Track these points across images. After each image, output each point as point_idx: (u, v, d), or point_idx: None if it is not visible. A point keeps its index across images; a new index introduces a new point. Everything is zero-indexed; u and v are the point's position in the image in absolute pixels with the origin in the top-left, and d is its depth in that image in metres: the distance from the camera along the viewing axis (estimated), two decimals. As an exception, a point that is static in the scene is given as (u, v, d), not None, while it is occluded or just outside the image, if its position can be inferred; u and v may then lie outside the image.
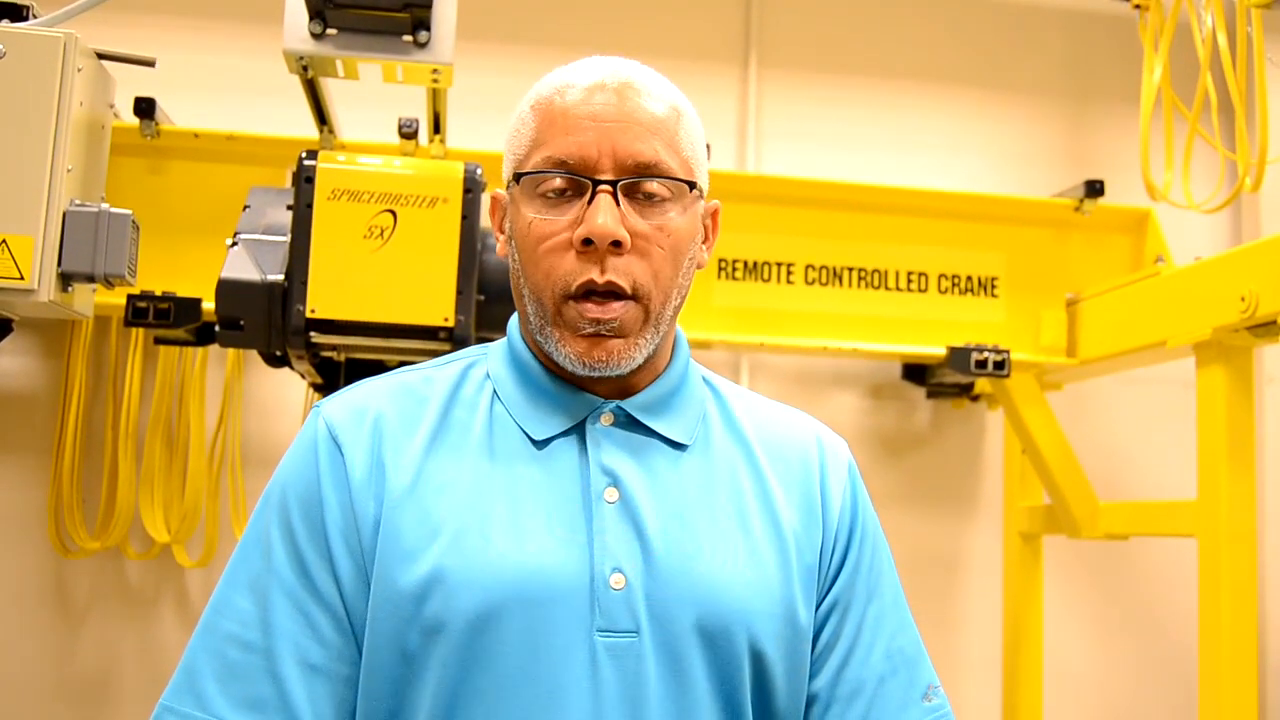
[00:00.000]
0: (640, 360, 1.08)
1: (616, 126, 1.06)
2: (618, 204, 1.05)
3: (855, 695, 1.10)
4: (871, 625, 1.13)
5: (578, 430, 1.10)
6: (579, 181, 1.06)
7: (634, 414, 1.11)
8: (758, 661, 1.06)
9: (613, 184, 1.05)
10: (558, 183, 1.07)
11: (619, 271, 1.05)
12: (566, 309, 1.06)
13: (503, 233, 1.15)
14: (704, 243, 1.16)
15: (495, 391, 1.13)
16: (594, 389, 1.11)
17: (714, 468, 1.13)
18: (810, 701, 1.11)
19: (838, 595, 1.13)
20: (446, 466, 1.07)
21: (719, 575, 1.06)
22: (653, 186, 1.07)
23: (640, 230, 1.06)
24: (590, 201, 1.05)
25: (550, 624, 1.01)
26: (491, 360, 1.16)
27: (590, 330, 1.05)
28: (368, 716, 1.03)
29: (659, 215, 1.07)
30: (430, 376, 1.15)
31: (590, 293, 1.05)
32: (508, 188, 1.13)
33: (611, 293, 1.05)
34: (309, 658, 1.03)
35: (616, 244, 1.04)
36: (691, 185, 1.10)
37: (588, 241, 1.04)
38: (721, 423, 1.18)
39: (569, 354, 1.07)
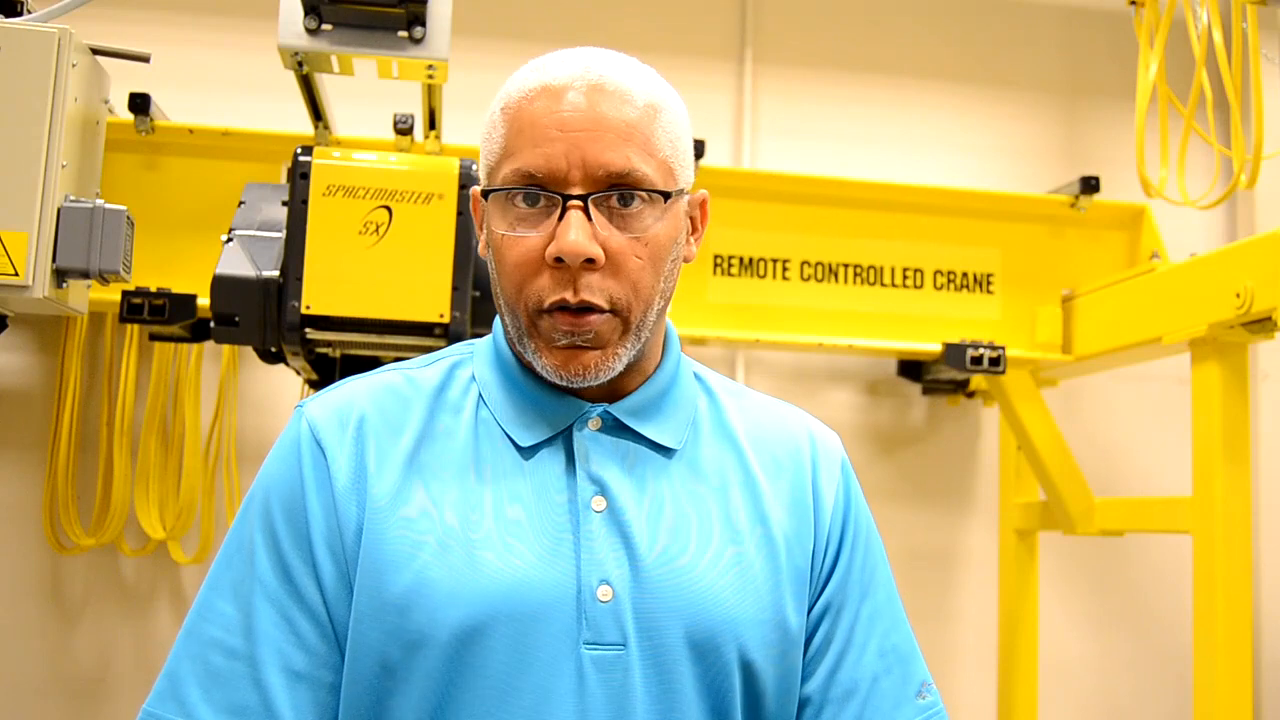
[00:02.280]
0: (619, 370, 1.05)
1: (586, 136, 1.01)
2: (589, 218, 1.01)
3: (849, 696, 1.09)
4: (865, 624, 1.12)
5: (564, 436, 1.08)
6: (549, 195, 1.02)
7: (622, 418, 1.09)
8: (747, 671, 1.04)
9: (583, 198, 1.01)
10: (528, 192, 1.03)
11: (593, 289, 1.01)
12: (541, 321, 1.03)
13: (482, 230, 1.12)
14: (692, 234, 1.13)
15: (480, 395, 1.11)
16: (581, 392, 1.09)
17: (704, 472, 1.11)
18: (804, 703, 1.09)
19: (830, 597, 1.12)
20: (431, 473, 1.05)
21: (707, 585, 1.04)
22: (628, 196, 1.03)
23: (615, 244, 1.02)
24: (561, 218, 1.01)
25: (536, 637, 0.99)
26: (477, 362, 1.14)
27: (565, 342, 1.03)
28: None
29: (636, 225, 1.03)
30: (414, 377, 1.12)
31: (564, 308, 1.02)
32: (483, 192, 1.10)
33: (586, 308, 1.02)
34: (293, 664, 1.01)
35: (590, 260, 1.01)
36: (667, 196, 1.05)
37: (560, 259, 1.01)
38: (712, 423, 1.15)
39: (546, 365, 1.04)
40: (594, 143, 1.02)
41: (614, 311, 1.03)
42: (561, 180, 1.02)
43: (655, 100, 1.07)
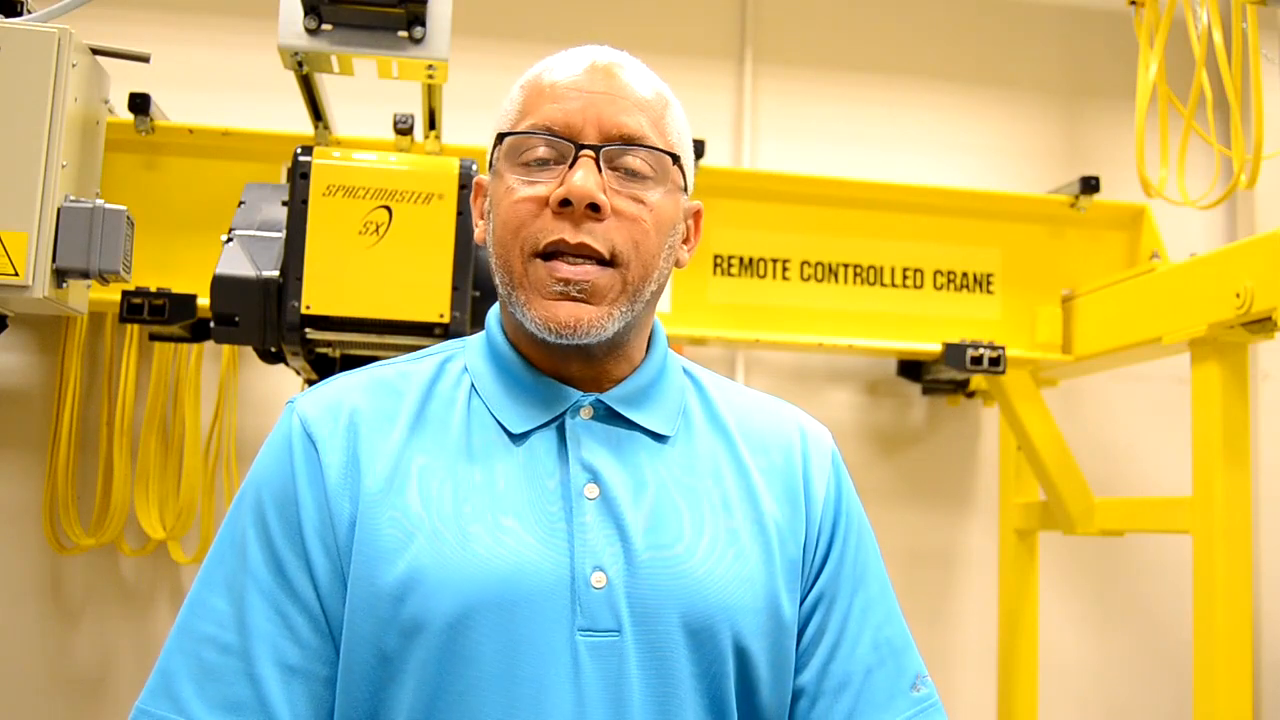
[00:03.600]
0: (612, 332, 1.05)
1: (603, 97, 1.06)
2: (599, 172, 1.04)
3: (842, 688, 1.09)
4: (858, 616, 1.12)
5: (557, 424, 1.08)
6: (562, 149, 1.05)
7: (613, 406, 1.09)
8: (742, 657, 1.05)
9: (595, 149, 1.04)
10: (541, 151, 1.05)
11: (595, 235, 1.03)
12: (534, 267, 1.04)
13: (483, 218, 1.13)
14: (684, 243, 1.14)
15: (473, 385, 1.11)
16: (572, 380, 1.10)
17: (696, 460, 1.11)
18: (797, 695, 1.10)
19: (823, 588, 1.12)
20: (423, 464, 1.05)
21: (701, 571, 1.04)
22: (636, 162, 1.06)
23: (621, 201, 1.05)
24: (572, 165, 1.04)
25: (531, 624, 0.99)
26: (469, 353, 1.15)
27: (559, 289, 1.03)
28: (346, 717, 1.01)
29: (642, 192, 1.06)
30: (406, 371, 1.13)
31: (561, 252, 1.03)
32: (490, 165, 1.11)
33: (585, 255, 1.03)
34: (286, 659, 1.01)
35: (595, 208, 1.02)
36: (675, 159, 1.08)
37: (565, 203, 1.02)
38: (703, 414, 1.16)
39: (536, 317, 1.04)
40: (610, 104, 1.06)
41: (613, 264, 1.04)
42: (576, 133, 1.05)
43: (666, 95, 1.12)
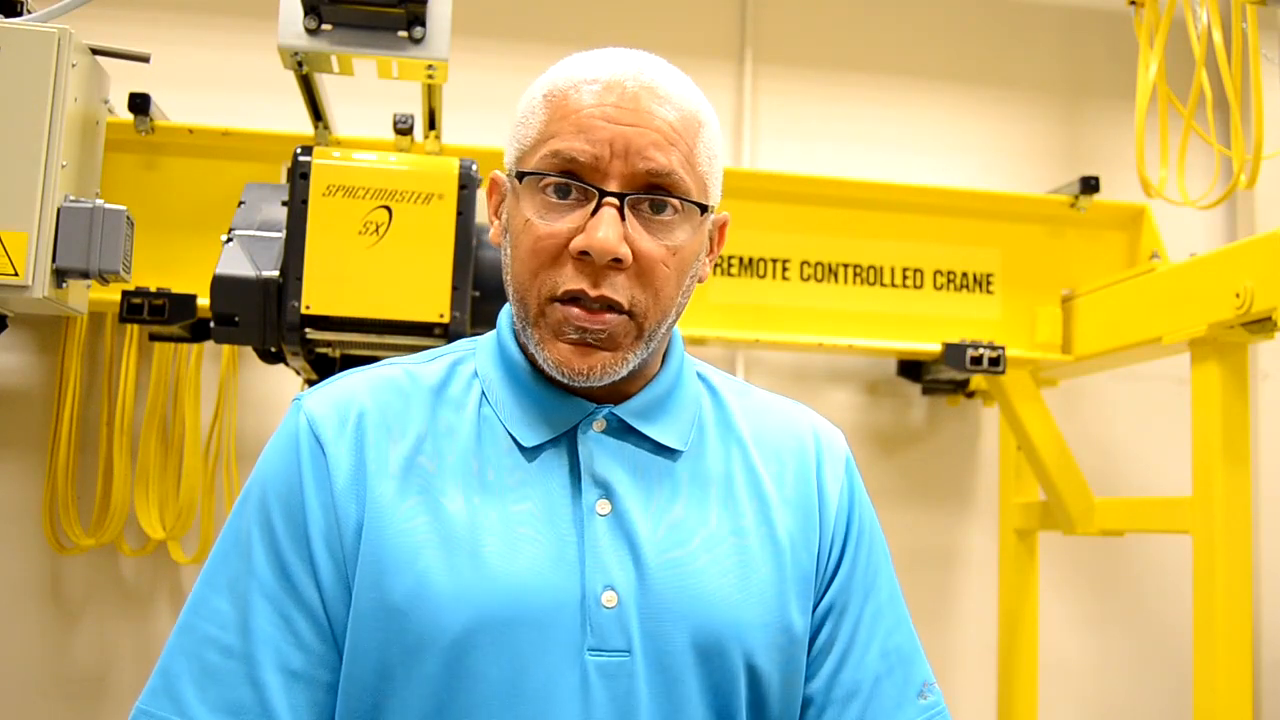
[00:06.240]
0: (625, 373, 1.03)
1: (633, 131, 1.00)
2: (623, 218, 0.99)
3: (851, 697, 1.09)
4: (868, 624, 1.11)
5: (568, 437, 1.06)
6: (585, 188, 1.00)
7: (627, 420, 1.07)
8: (752, 675, 1.04)
9: (620, 197, 1.00)
10: (562, 184, 1.01)
11: (615, 288, 0.99)
12: (551, 310, 1.01)
13: (498, 218, 1.10)
14: (708, 255, 1.12)
15: (483, 392, 1.09)
16: (585, 393, 1.07)
17: (708, 474, 1.10)
18: (806, 703, 1.09)
19: (834, 597, 1.11)
20: (433, 473, 1.03)
21: (713, 590, 1.03)
22: (662, 207, 1.01)
23: (644, 249, 1.00)
24: (595, 212, 0.99)
25: (539, 643, 0.98)
26: (480, 358, 1.12)
27: (575, 337, 1.00)
28: None
29: (666, 235, 1.02)
30: (415, 373, 1.10)
31: (579, 299, 1.00)
32: (509, 176, 1.08)
33: (606, 306, 1.00)
34: (289, 663, 0.99)
35: (617, 260, 0.99)
36: (704, 209, 1.04)
37: (585, 254, 0.98)
38: (716, 423, 1.14)
39: (550, 359, 1.02)
40: (639, 139, 1.00)
41: (631, 314, 1.01)
42: (601, 173, 1.00)
43: (701, 113, 1.07)
